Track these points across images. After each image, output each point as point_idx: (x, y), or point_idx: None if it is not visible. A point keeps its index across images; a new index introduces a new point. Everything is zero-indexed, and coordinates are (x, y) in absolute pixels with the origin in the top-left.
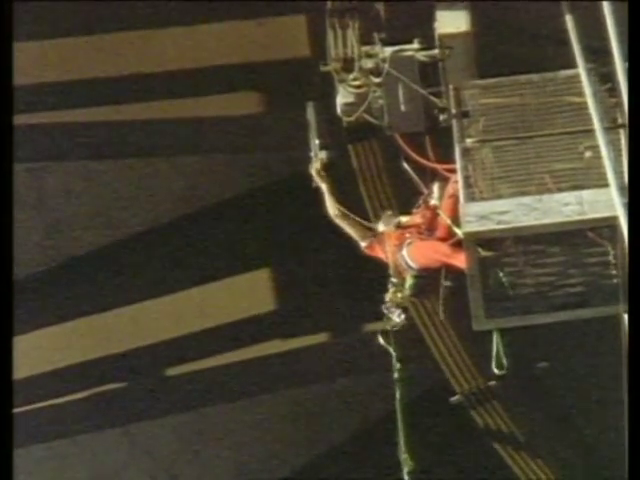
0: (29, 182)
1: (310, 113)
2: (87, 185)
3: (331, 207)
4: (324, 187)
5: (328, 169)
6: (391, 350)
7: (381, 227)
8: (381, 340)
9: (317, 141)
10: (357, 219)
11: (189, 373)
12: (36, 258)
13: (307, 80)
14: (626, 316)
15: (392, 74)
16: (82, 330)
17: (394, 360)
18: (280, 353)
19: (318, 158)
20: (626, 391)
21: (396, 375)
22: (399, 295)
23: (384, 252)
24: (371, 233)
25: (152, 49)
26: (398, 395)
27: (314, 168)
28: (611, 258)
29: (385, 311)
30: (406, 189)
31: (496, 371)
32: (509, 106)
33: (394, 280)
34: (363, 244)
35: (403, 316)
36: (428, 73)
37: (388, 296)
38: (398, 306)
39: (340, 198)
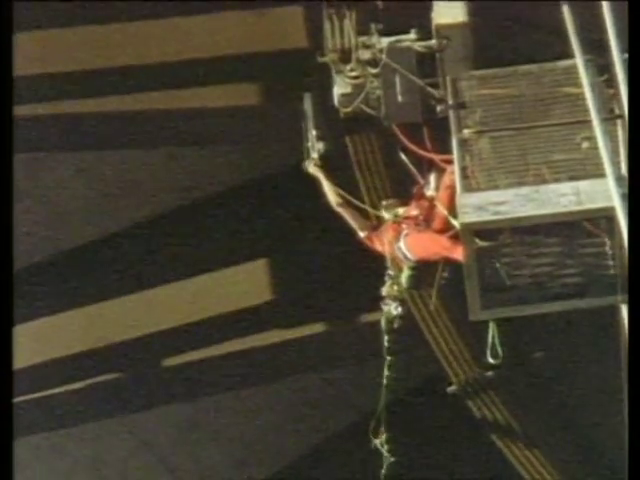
0: (28, 173)
1: (307, 104)
2: (86, 176)
3: (332, 195)
4: (321, 177)
5: (324, 159)
6: (385, 342)
7: (385, 215)
8: (383, 324)
9: (314, 132)
10: (359, 206)
11: (187, 363)
12: (34, 249)
13: (304, 71)
14: (624, 306)
15: (389, 65)
16: (80, 320)
17: (385, 353)
18: (278, 343)
19: (315, 149)
20: (625, 381)
21: (386, 372)
22: (395, 288)
23: (382, 244)
24: (370, 224)
25: (150, 40)
26: (384, 387)
27: (311, 159)
28: (608, 249)
29: (382, 305)
30: (403, 180)
31: (491, 361)
32: (506, 97)
33: (391, 273)
34: (362, 234)
35: (400, 309)
36: (425, 64)
37: (385, 289)
38: (395, 299)
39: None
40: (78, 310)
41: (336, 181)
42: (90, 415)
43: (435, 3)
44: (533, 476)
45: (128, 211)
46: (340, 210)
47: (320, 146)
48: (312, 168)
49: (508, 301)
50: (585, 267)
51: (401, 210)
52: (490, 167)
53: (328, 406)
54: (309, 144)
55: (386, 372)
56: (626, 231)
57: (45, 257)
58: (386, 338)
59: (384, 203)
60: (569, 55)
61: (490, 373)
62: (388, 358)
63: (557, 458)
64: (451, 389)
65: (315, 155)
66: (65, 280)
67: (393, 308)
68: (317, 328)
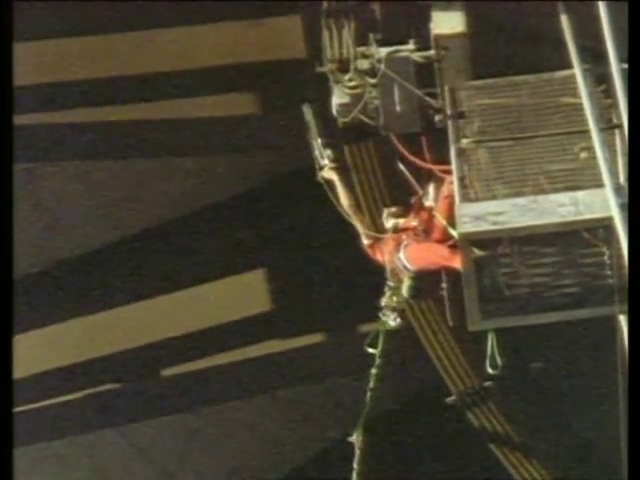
0: (28, 182)
1: (308, 114)
2: (85, 185)
3: (345, 198)
4: (336, 179)
5: (339, 162)
6: (376, 352)
7: (388, 224)
8: (369, 349)
9: (319, 140)
10: (366, 218)
11: (185, 374)
12: (33, 258)
13: (303, 81)
14: (621, 316)
15: (388, 75)
16: (78, 330)
17: (376, 356)
18: (276, 353)
19: (325, 155)
20: (624, 391)
21: (374, 370)
22: (395, 299)
23: (382, 254)
24: (375, 232)
25: (149, 50)
26: (371, 384)
27: (325, 165)
28: (606, 259)
29: (381, 316)
30: (402, 190)
31: (490, 371)
32: (504, 107)
33: (390, 283)
34: (365, 242)
35: (399, 320)
36: (424, 74)
37: (384, 300)
38: (394, 309)
39: (337, 198)
40: (77, 320)
41: (334, 191)
42: (89, 425)
43: (434, 13)
44: None
45: (127, 221)
46: (350, 213)
47: (329, 152)
48: (327, 172)
49: (507, 311)
50: (584, 277)
51: (401, 221)
52: (488, 177)
53: (327, 416)
54: (316, 153)
55: (371, 384)
56: (625, 241)
57: (44, 267)
58: (378, 350)
59: (387, 211)
60: (567, 65)
61: (489, 383)
62: (374, 371)
63: (555, 468)
64: (450, 399)
65: (326, 162)
66: (64, 290)
67: (392, 319)
68: (316, 338)
